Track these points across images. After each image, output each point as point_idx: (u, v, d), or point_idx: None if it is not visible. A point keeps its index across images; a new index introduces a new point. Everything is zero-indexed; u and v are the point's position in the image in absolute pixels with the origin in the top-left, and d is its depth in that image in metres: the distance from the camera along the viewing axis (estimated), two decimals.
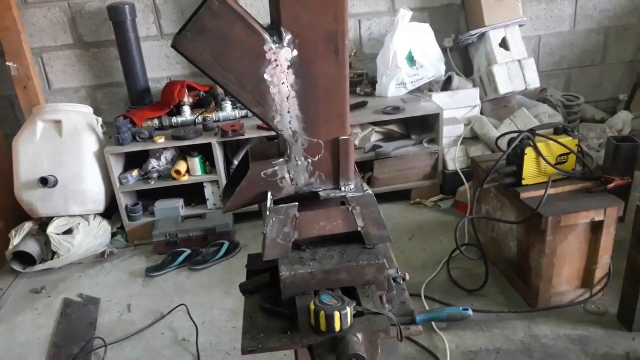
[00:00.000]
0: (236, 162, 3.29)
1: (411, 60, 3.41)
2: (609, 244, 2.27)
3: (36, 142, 3.00)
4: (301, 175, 1.28)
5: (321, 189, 1.30)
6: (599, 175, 2.36)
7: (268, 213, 1.24)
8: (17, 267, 2.95)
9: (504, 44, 3.53)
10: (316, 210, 1.28)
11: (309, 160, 1.27)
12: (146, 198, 3.31)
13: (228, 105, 3.31)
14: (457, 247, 2.50)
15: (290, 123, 1.21)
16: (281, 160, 1.26)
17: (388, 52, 3.37)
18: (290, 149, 1.24)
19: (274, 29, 1.15)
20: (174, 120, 3.27)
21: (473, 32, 3.53)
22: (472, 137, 3.43)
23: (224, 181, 3.22)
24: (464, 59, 3.83)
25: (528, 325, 2.27)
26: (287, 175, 1.27)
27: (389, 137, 3.39)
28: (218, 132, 3.12)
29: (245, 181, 1.26)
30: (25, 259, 2.95)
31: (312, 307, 1.15)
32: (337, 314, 1.12)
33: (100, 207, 3.14)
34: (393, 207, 3.33)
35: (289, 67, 1.15)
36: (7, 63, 3.25)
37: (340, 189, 1.31)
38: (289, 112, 1.20)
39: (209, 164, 3.22)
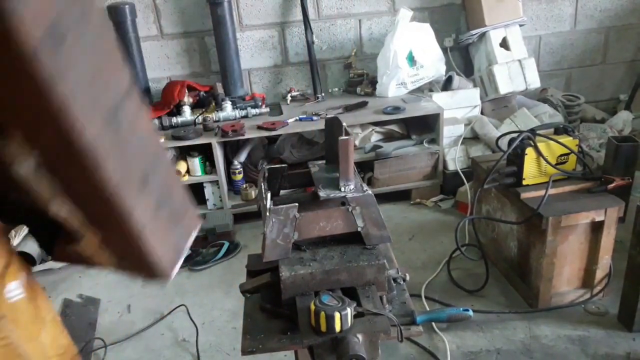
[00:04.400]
0: (236, 162, 3.29)
1: (411, 60, 3.40)
2: (609, 244, 2.27)
3: None
4: None
5: None
6: (599, 175, 2.35)
7: (268, 214, 1.24)
8: None
9: (504, 44, 3.52)
10: (316, 211, 1.28)
11: None
12: None
13: (228, 105, 3.30)
14: (458, 247, 2.50)
15: None
16: None
17: (388, 52, 3.37)
18: None
19: None
20: (174, 120, 3.26)
21: (473, 32, 3.53)
22: (473, 137, 3.42)
23: (223, 181, 3.21)
24: (464, 59, 3.83)
25: (528, 326, 2.26)
26: None
27: (389, 137, 3.39)
28: (218, 132, 3.12)
29: None
30: (25, 259, 2.93)
31: (312, 307, 1.14)
32: (337, 315, 1.12)
33: None
34: (393, 207, 3.32)
35: None
36: None
37: (339, 190, 1.30)
38: None
39: (208, 164, 3.22)
